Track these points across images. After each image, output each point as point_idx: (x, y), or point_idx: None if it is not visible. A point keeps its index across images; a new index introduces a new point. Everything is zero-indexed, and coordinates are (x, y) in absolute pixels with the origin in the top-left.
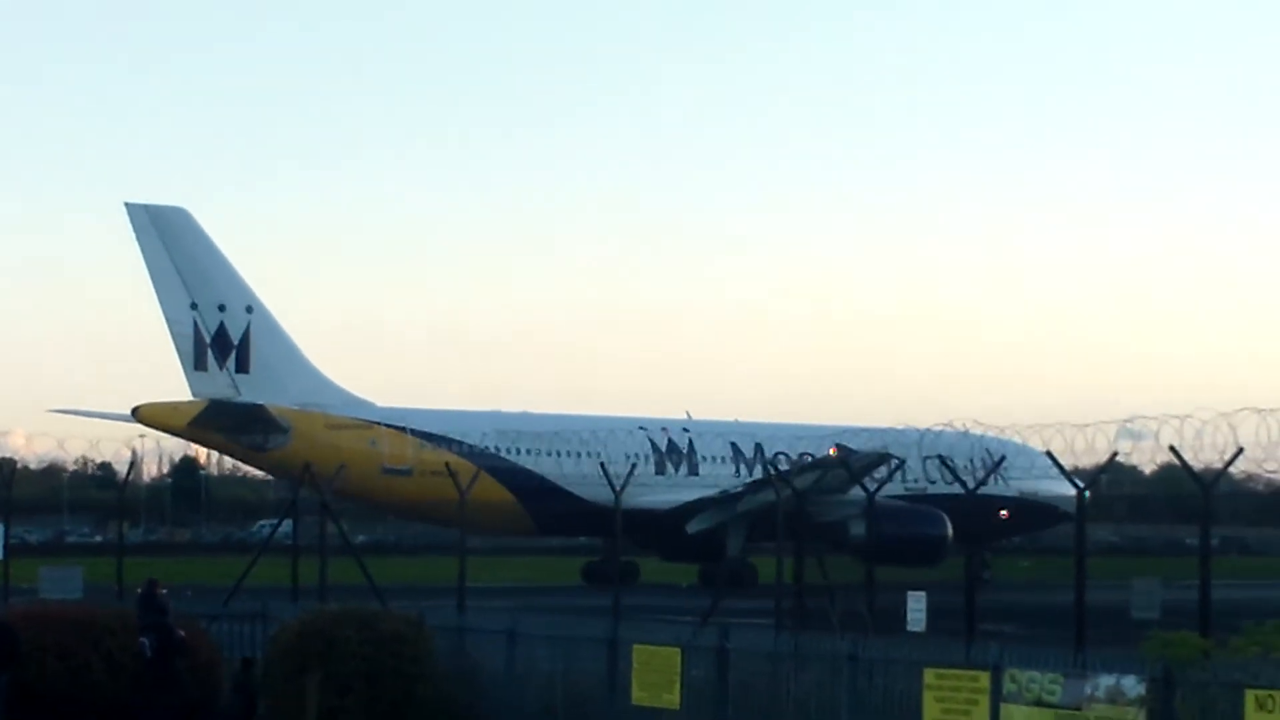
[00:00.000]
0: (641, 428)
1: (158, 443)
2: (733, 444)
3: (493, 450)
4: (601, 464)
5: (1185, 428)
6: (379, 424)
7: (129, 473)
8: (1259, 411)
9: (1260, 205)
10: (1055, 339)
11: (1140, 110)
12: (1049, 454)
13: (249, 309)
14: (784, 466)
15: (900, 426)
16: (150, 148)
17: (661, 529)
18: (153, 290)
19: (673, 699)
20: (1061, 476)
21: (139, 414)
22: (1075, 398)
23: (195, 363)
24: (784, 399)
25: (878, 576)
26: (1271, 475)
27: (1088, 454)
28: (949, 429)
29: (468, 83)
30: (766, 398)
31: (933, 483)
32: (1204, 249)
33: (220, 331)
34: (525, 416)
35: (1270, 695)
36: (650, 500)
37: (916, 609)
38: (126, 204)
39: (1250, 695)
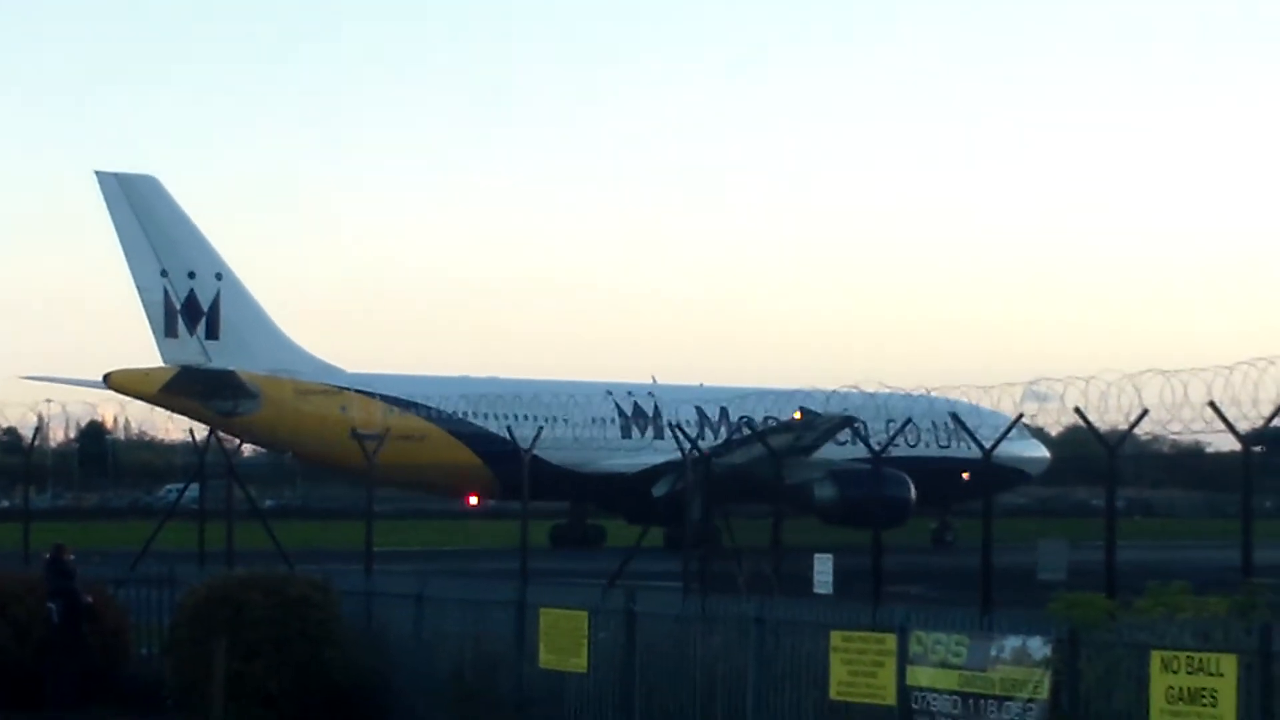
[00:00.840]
0: (609, 392)
1: (63, 408)
2: (698, 408)
3: (460, 415)
4: (508, 427)
5: (1090, 389)
6: (349, 390)
7: (34, 437)
8: (1163, 373)
9: (1163, 171)
10: (963, 301)
11: (1031, 72)
12: (953, 415)
13: (219, 276)
14: (747, 430)
15: (863, 390)
16: (120, 116)
17: (627, 492)
18: (123, 258)
19: (580, 662)
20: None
21: (110, 380)
22: (981, 360)
23: (166, 329)
24: (748, 363)
25: (844, 540)
26: (1176, 437)
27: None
28: (870, 390)
29: (431, 51)
30: (731, 362)
31: (896, 446)
32: (1108, 213)
33: (190, 298)
34: (493, 381)
35: (1175, 656)
36: (616, 464)
37: (823, 572)
38: (97, 172)
39: (1156, 656)
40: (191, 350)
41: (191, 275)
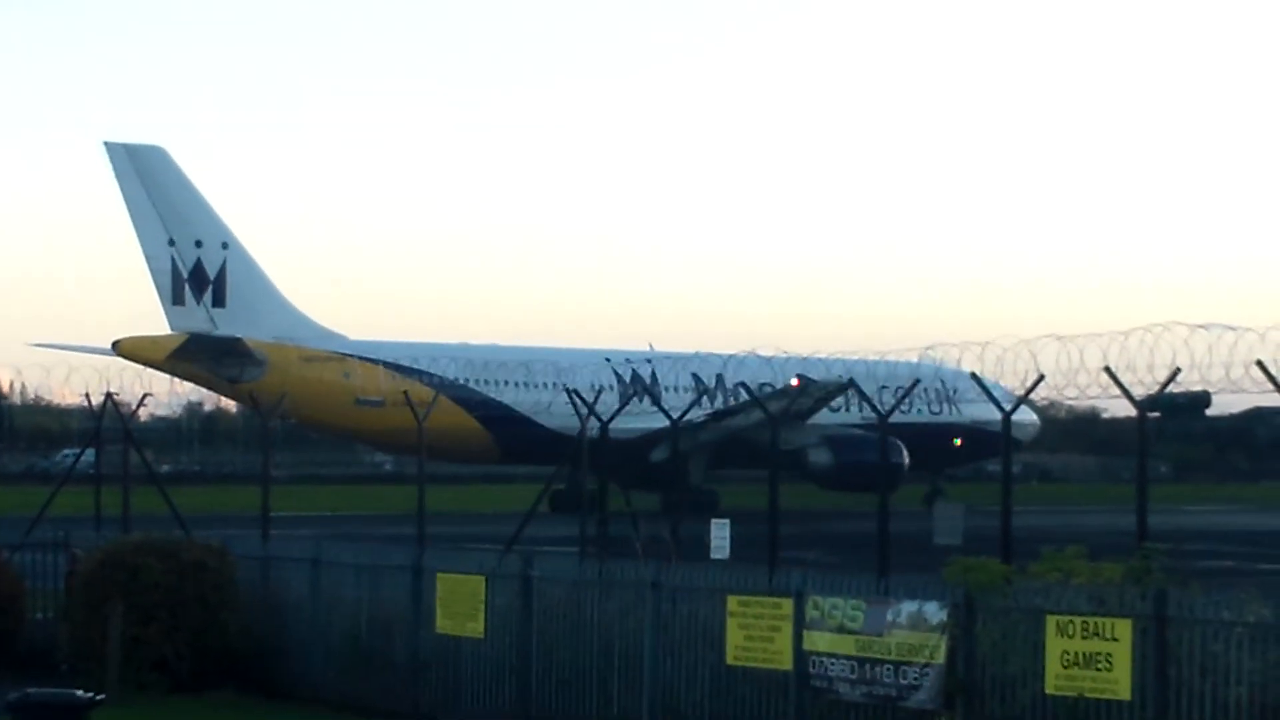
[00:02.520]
0: (607, 359)
1: None
2: (694, 374)
3: (462, 381)
4: (405, 394)
5: (986, 354)
6: (352, 357)
7: None
8: (1060, 339)
9: (1067, 130)
10: (858, 264)
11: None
12: (851, 380)
13: (225, 245)
14: (744, 396)
15: (861, 357)
16: (129, 86)
17: (625, 457)
18: (132, 227)
19: (477, 627)
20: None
21: (119, 347)
22: (878, 325)
23: (173, 298)
24: (744, 331)
25: (839, 503)
26: (1072, 402)
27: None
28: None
29: (441, 19)
30: (728, 330)
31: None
32: (1011, 178)
33: (197, 267)
34: (493, 348)
35: (1070, 620)
36: (614, 429)
37: (720, 536)
38: (105, 143)
39: (1051, 620)
40: (199, 318)
41: (198, 244)
